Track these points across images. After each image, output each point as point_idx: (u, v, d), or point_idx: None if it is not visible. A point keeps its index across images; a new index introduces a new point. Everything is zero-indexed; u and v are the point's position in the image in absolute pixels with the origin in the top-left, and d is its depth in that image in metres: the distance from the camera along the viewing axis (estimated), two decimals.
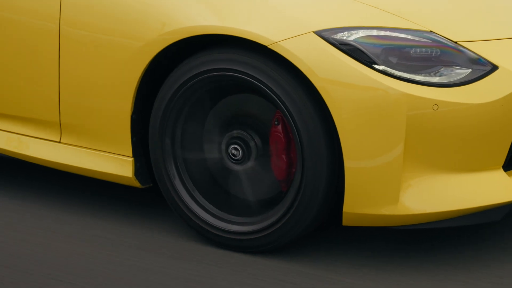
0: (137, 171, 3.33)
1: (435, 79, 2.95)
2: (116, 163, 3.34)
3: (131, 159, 3.31)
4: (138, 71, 3.19)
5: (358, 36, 2.94)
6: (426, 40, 3.00)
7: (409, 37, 2.99)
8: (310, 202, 3.01)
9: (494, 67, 3.01)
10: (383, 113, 2.90)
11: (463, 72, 2.99)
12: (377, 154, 2.92)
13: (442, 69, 2.98)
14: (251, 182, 3.17)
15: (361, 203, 2.98)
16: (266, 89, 3.00)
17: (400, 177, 2.94)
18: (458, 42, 3.03)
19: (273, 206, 3.12)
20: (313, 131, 2.96)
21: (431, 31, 3.03)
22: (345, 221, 3.04)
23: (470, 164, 3.03)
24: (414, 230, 3.34)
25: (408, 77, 2.93)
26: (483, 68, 3.00)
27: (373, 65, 2.91)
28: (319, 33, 2.94)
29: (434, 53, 2.99)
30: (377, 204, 2.97)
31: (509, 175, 3.14)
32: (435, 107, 2.91)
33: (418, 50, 2.98)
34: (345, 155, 2.93)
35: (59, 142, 3.47)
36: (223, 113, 3.20)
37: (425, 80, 2.94)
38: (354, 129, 2.91)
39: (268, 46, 2.96)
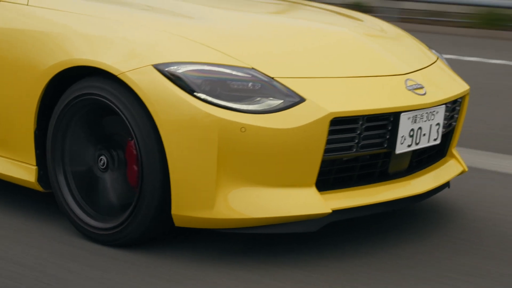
0: (40, 178, 4.07)
1: (249, 107, 3.56)
2: (23, 170, 4.10)
3: (35, 167, 4.06)
4: (36, 94, 3.95)
5: (186, 69, 3.60)
6: (247, 75, 3.61)
7: (233, 72, 3.62)
8: (148, 206, 3.66)
9: (302, 99, 3.59)
10: (199, 134, 3.53)
11: (276, 103, 3.58)
12: (195, 167, 3.55)
13: (258, 99, 3.59)
14: (114, 188, 3.85)
15: (184, 207, 3.60)
16: (118, 111, 3.69)
17: (215, 187, 3.55)
18: (274, 78, 3.63)
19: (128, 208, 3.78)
20: (150, 147, 3.62)
21: (252, 67, 3.64)
22: (176, 222, 3.68)
23: (281, 180, 3.60)
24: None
25: (225, 104, 3.55)
26: (292, 100, 3.58)
27: (195, 94, 3.55)
28: (156, 66, 3.62)
29: (253, 86, 3.60)
30: (196, 208, 3.59)
31: (323, 194, 3.67)
32: (243, 130, 3.52)
33: (239, 83, 3.60)
34: (170, 167, 3.57)
35: None
36: (98, 129, 3.89)
37: (239, 107, 3.55)
38: (176, 146, 3.55)
39: (117, 76, 3.67)
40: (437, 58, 4.49)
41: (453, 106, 4.23)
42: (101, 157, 3.87)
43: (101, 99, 3.76)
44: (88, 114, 3.89)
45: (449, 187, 4.42)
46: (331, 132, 3.62)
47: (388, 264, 3.74)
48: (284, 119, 3.56)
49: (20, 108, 4.04)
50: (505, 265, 3.79)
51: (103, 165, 3.87)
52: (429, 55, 4.45)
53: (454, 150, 4.44)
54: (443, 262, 3.78)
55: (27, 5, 4.17)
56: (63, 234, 3.96)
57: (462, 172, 4.39)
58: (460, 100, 4.30)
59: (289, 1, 5.12)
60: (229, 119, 3.52)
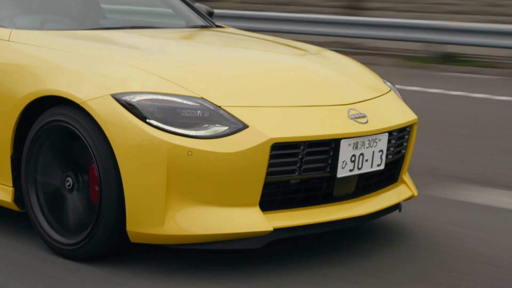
0: (17, 198, 4.44)
1: (197, 133, 3.90)
2: (0, 191, 4.47)
3: (12, 188, 4.43)
4: (12, 121, 4.33)
5: (141, 98, 3.95)
6: (196, 104, 3.96)
7: (184, 101, 3.96)
8: (106, 223, 4.00)
9: (245, 126, 3.92)
10: (150, 157, 3.87)
11: (221, 129, 3.91)
12: (147, 187, 3.89)
13: (206, 125, 3.93)
14: (79, 206, 4.20)
15: (138, 224, 3.94)
16: (82, 136, 4.05)
17: (164, 206, 3.88)
18: (221, 106, 3.97)
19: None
20: (107, 169, 3.96)
21: (202, 97, 3.99)
22: (132, 238, 4.01)
23: (226, 200, 3.93)
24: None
25: (174, 130, 3.89)
26: (236, 126, 3.92)
27: (147, 120, 3.90)
28: (114, 96, 3.98)
29: (202, 114, 3.95)
30: (148, 226, 3.93)
31: (266, 214, 3.99)
32: (189, 153, 3.86)
33: (189, 111, 3.95)
34: (124, 187, 3.92)
35: None
36: (65, 153, 4.24)
37: (187, 133, 3.89)
38: (130, 168, 3.90)
39: (80, 104, 4.04)
40: (389, 90, 4.80)
41: (400, 135, 4.52)
42: (67, 178, 4.23)
43: (68, 125, 4.13)
44: (57, 139, 4.25)
45: (400, 211, 4.70)
46: (272, 157, 3.94)
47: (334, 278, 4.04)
48: (228, 144, 3.89)
49: None
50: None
51: (69, 185, 4.22)
52: (380, 86, 4.76)
53: (405, 176, 4.72)
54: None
55: (8, 40, 4.56)
56: (38, 249, 4.32)
57: (411, 197, 4.67)
58: (408, 129, 4.59)
59: (239, 34, 5.49)
60: (177, 144, 3.86)
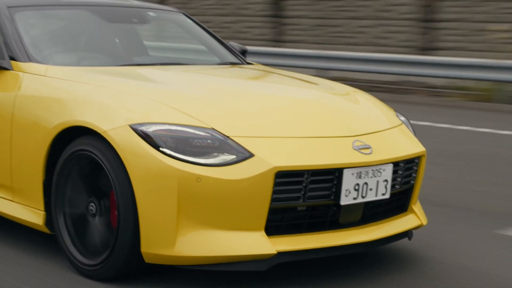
0: (48, 222, 4.78)
1: (206, 161, 4.19)
2: (33, 214, 4.82)
3: (43, 212, 4.78)
4: (43, 149, 4.69)
5: (156, 128, 4.27)
6: (206, 134, 4.26)
7: (196, 132, 4.27)
8: (123, 245, 4.30)
9: (251, 155, 4.20)
10: (162, 183, 4.18)
11: (229, 157, 4.20)
12: (159, 211, 4.19)
13: (215, 154, 4.22)
14: (101, 230, 4.52)
15: (151, 245, 4.24)
16: (102, 164, 4.38)
17: (175, 228, 4.18)
18: (230, 137, 4.26)
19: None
20: (125, 195, 4.28)
21: (212, 128, 4.29)
22: (146, 259, 4.31)
23: (233, 224, 4.20)
24: None
25: (185, 158, 4.19)
26: (243, 155, 4.20)
27: (161, 149, 4.21)
28: (132, 126, 4.31)
29: (212, 143, 4.24)
30: (161, 247, 4.22)
31: (272, 238, 4.25)
32: (199, 180, 4.15)
33: (200, 140, 4.25)
34: (139, 211, 4.23)
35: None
36: (90, 180, 4.58)
37: (197, 161, 4.19)
38: (144, 194, 4.21)
39: (101, 134, 4.37)
40: (401, 123, 5.02)
41: (408, 166, 4.73)
42: (91, 204, 4.56)
43: (91, 154, 4.46)
44: (83, 167, 4.58)
45: (409, 239, 4.89)
46: (277, 184, 4.20)
47: None
48: (234, 172, 4.17)
49: (31, 161, 4.78)
50: None
51: (92, 211, 4.55)
52: (391, 119, 4.99)
53: (415, 206, 4.92)
54: None
55: (44, 75, 4.95)
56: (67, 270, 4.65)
57: (419, 226, 4.86)
58: (417, 160, 4.80)
59: (263, 70, 5.81)
60: (187, 171, 4.16)
